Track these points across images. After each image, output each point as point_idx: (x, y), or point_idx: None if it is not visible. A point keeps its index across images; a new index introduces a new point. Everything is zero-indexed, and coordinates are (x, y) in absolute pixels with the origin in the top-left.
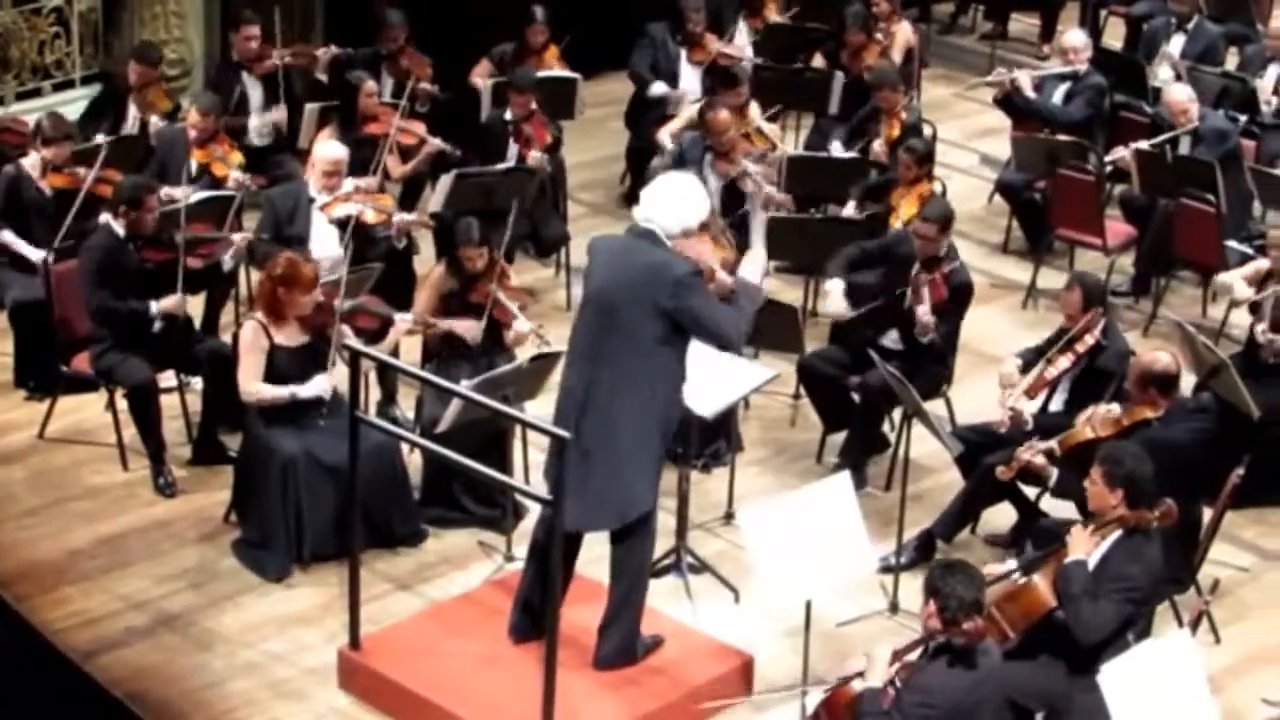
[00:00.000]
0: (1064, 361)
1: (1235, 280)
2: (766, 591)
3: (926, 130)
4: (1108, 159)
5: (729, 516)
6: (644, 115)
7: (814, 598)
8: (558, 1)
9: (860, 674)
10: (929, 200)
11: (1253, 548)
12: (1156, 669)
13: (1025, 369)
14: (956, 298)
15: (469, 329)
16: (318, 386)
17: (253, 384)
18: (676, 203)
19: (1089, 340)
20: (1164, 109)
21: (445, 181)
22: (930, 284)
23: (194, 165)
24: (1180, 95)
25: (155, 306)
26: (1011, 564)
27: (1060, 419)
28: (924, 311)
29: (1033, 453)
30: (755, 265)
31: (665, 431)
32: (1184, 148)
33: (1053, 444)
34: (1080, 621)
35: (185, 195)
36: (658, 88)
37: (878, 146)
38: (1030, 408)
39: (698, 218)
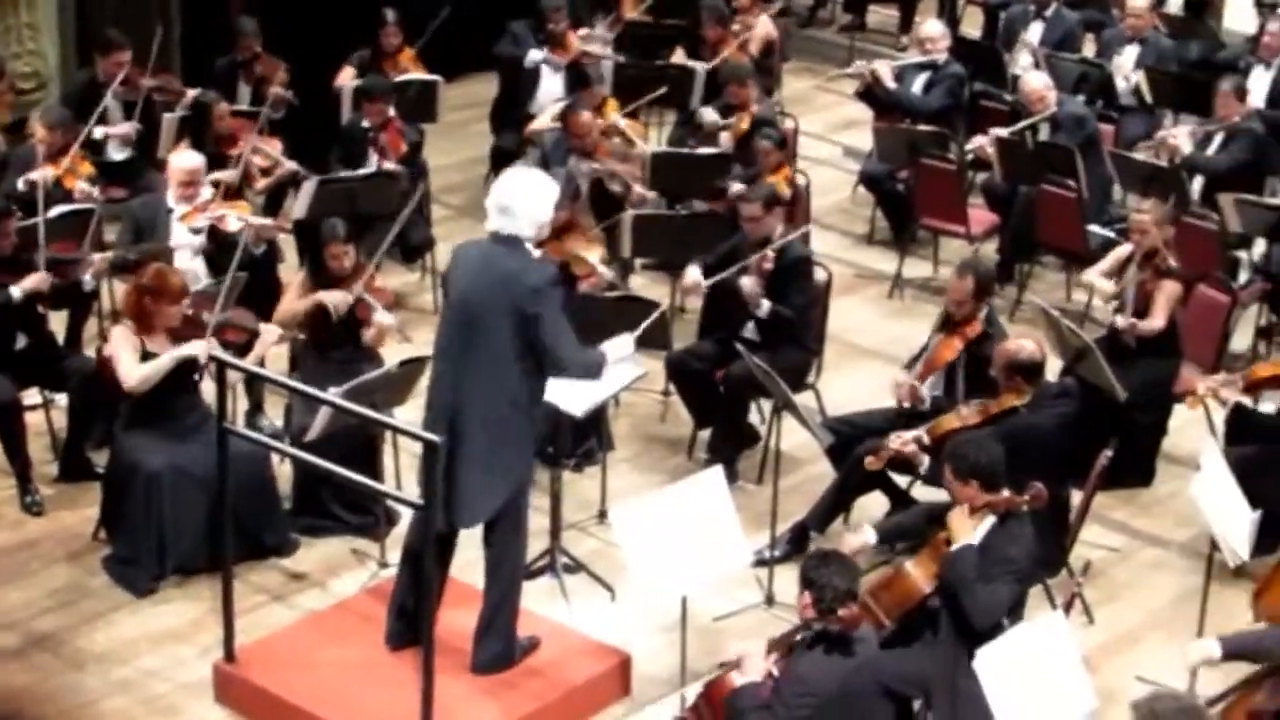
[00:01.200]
0: (955, 345)
1: (1096, 278)
2: (642, 589)
3: (788, 123)
4: (968, 147)
5: (602, 515)
6: (509, 116)
7: (689, 593)
8: (414, 3)
9: (730, 668)
10: (793, 183)
11: (1123, 528)
12: (1031, 651)
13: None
14: (790, 271)
15: (338, 299)
16: (194, 348)
17: (134, 371)
18: (526, 201)
19: (975, 328)
20: (1021, 96)
21: (307, 188)
22: (758, 260)
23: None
24: (1036, 83)
25: (17, 290)
26: (870, 533)
27: (940, 404)
28: (749, 282)
29: (902, 442)
30: (619, 348)
31: (532, 433)
32: (1043, 134)
33: (921, 433)
34: (977, 605)
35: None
36: (534, 54)
37: (726, 140)
38: (923, 388)
39: (550, 210)
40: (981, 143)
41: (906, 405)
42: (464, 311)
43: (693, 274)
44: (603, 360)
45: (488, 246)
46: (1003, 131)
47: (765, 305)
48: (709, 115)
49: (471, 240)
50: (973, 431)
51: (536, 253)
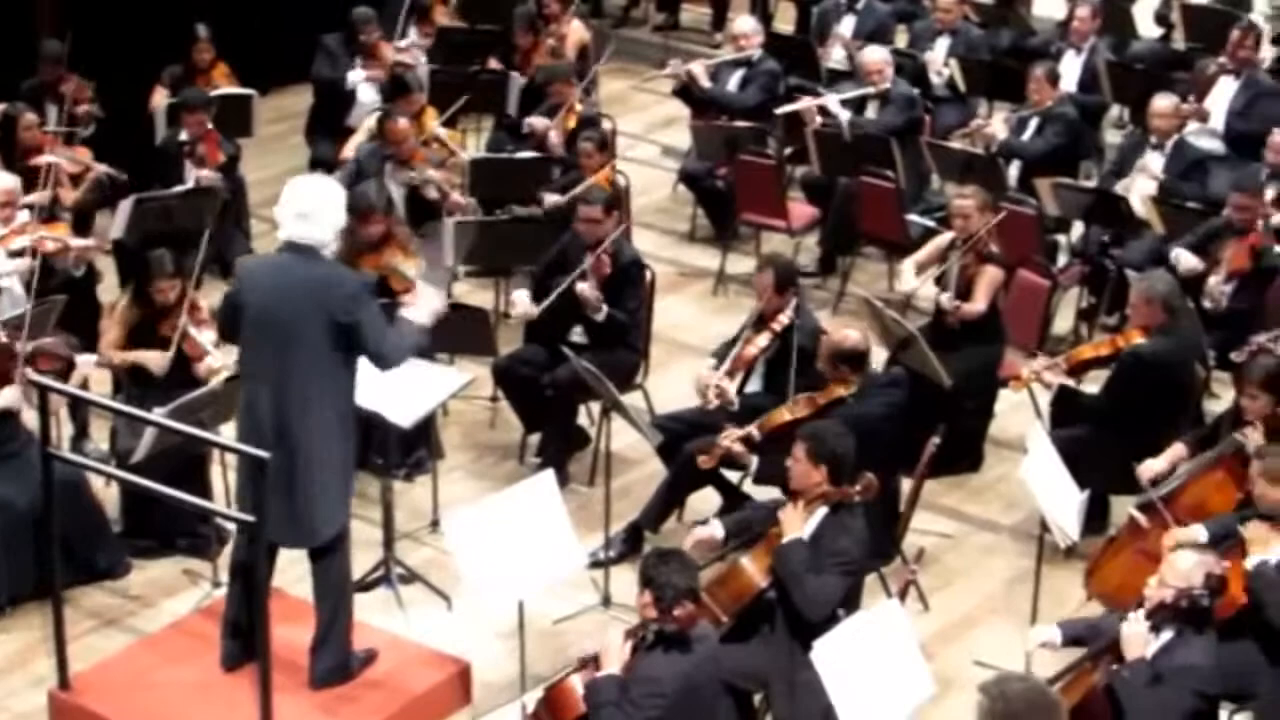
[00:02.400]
0: (761, 340)
1: (908, 268)
2: (478, 596)
3: (606, 124)
4: (796, 107)
5: (435, 524)
6: (324, 128)
7: (526, 598)
8: (224, 18)
9: (579, 667)
10: (613, 184)
11: (954, 514)
12: (868, 641)
13: (719, 367)
14: (626, 275)
15: (156, 360)
16: (6, 398)
17: None
18: (324, 207)
19: (782, 320)
20: (859, 68)
21: (124, 207)
22: (595, 263)
23: None
24: (876, 55)
25: None
26: (717, 526)
27: (759, 399)
28: (587, 287)
29: (732, 440)
30: (424, 308)
31: (352, 444)
32: (871, 111)
33: (752, 429)
34: (807, 597)
35: None
36: (353, 76)
37: (554, 138)
38: (732, 387)
39: (343, 216)
40: (809, 104)
41: (714, 406)
42: (272, 327)
43: (521, 302)
44: (413, 331)
45: (284, 258)
46: (833, 97)
47: (604, 310)
48: (538, 121)
49: (256, 256)
50: (819, 421)
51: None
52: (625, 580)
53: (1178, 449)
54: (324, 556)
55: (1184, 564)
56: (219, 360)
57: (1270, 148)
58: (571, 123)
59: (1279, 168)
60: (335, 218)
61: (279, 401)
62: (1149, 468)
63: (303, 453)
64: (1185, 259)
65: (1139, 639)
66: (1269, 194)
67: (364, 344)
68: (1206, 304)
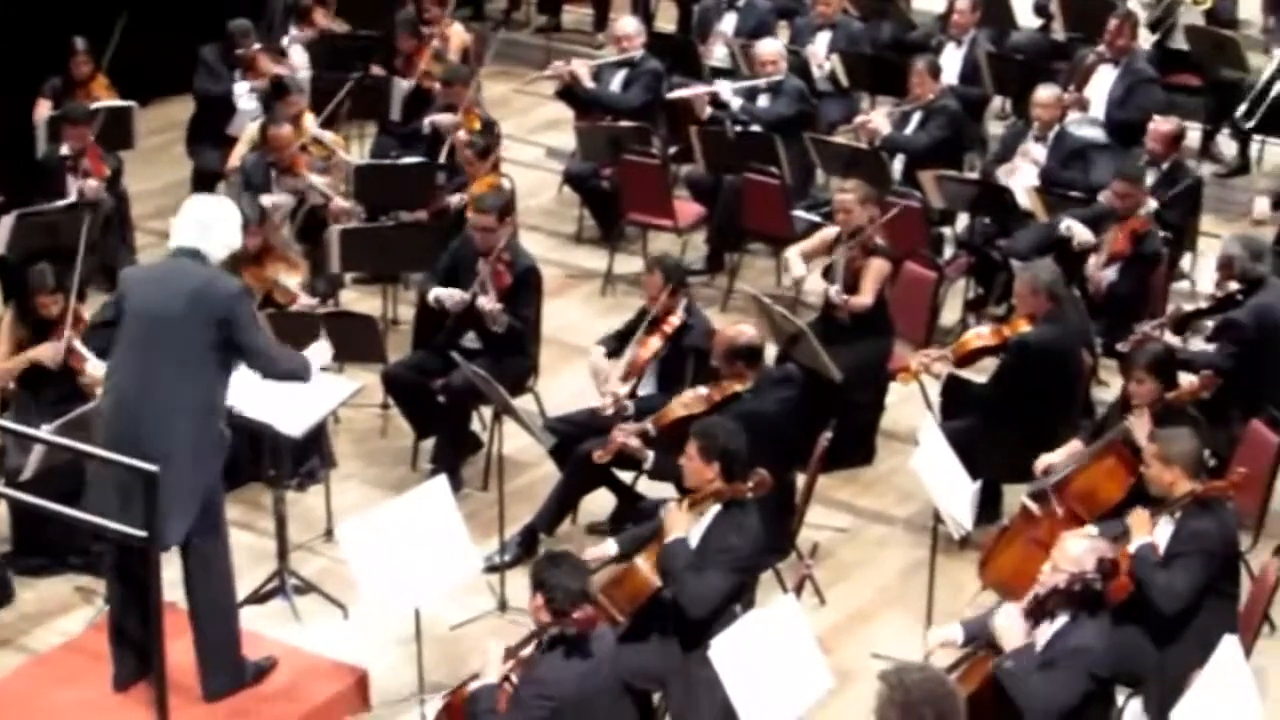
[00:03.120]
0: (654, 343)
1: (794, 257)
2: (374, 604)
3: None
4: (686, 93)
5: (329, 533)
6: (206, 138)
7: (422, 605)
8: (102, 30)
9: (477, 675)
10: (499, 188)
11: (848, 508)
12: (765, 637)
13: (611, 355)
14: (523, 283)
15: (48, 352)
16: None
17: None
18: (224, 223)
19: (674, 321)
20: (754, 58)
21: (6, 223)
22: (493, 273)
23: None
24: (772, 47)
25: None
26: (611, 545)
27: (654, 401)
28: (487, 300)
29: (627, 435)
30: (318, 354)
31: (224, 446)
32: (763, 100)
33: (647, 425)
34: (688, 595)
35: None
36: (236, 89)
37: (463, 135)
38: (626, 391)
39: (238, 239)
40: (701, 91)
41: (609, 414)
42: (150, 329)
43: (451, 294)
44: (305, 363)
45: (170, 263)
46: (725, 85)
47: (504, 321)
48: (445, 119)
49: (139, 265)
50: (711, 418)
51: None
52: (521, 584)
53: (1075, 445)
54: (202, 565)
55: (1075, 549)
56: (101, 369)
57: (1150, 136)
58: (475, 123)
59: (1157, 155)
60: (230, 236)
61: (146, 402)
62: (1045, 462)
63: (174, 454)
64: (1079, 230)
65: (1014, 630)
66: (1149, 180)
67: (244, 342)
68: (1089, 287)
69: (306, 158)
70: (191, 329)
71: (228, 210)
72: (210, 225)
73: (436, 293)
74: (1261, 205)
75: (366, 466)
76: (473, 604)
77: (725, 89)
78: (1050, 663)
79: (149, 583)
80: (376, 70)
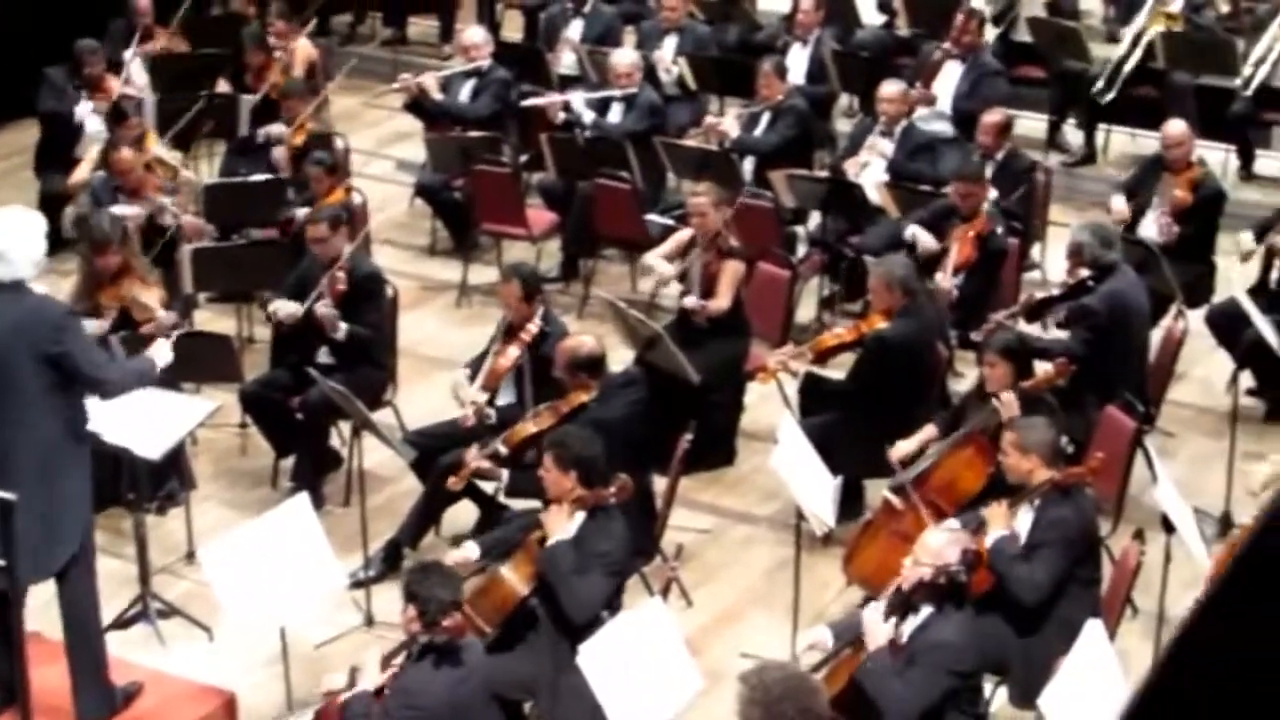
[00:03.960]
0: (513, 351)
1: (656, 260)
2: (239, 625)
3: (339, 143)
4: (535, 102)
5: (191, 556)
6: (53, 161)
7: (288, 623)
8: None
9: (347, 687)
10: (349, 203)
11: (711, 509)
12: (633, 641)
13: (474, 377)
14: (362, 290)
15: None
16: None
17: None
18: (20, 242)
19: (531, 329)
20: (610, 70)
21: None
22: (331, 281)
23: None
24: (628, 59)
25: None
26: (473, 548)
27: (514, 410)
28: (322, 306)
29: (479, 457)
30: (160, 353)
31: (88, 469)
32: (615, 113)
33: (498, 445)
34: (575, 600)
35: None
36: (80, 109)
37: (278, 154)
38: (484, 399)
39: (41, 246)
40: (553, 100)
41: (471, 424)
42: None
43: (283, 304)
44: (149, 366)
45: None
46: (578, 95)
47: (343, 328)
48: (275, 129)
49: None
50: (564, 427)
51: (40, 289)
52: (387, 599)
53: (928, 430)
54: (72, 589)
55: (936, 542)
56: None
57: (980, 129)
58: (300, 140)
59: (988, 147)
60: (31, 251)
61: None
62: (900, 449)
63: (28, 488)
64: (922, 238)
65: (878, 628)
66: (988, 172)
67: (77, 372)
68: (946, 282)
69: (154, 179)
70: (26, 364)
71: (16, 226)
72: (4, 253)
73: (273, 305)
74: (1119, 203)
75: (227, 487)
76: (339, 621)
77: (578, 100)
78: (911, 660)
79: (11, 614)
80: (223, 87)
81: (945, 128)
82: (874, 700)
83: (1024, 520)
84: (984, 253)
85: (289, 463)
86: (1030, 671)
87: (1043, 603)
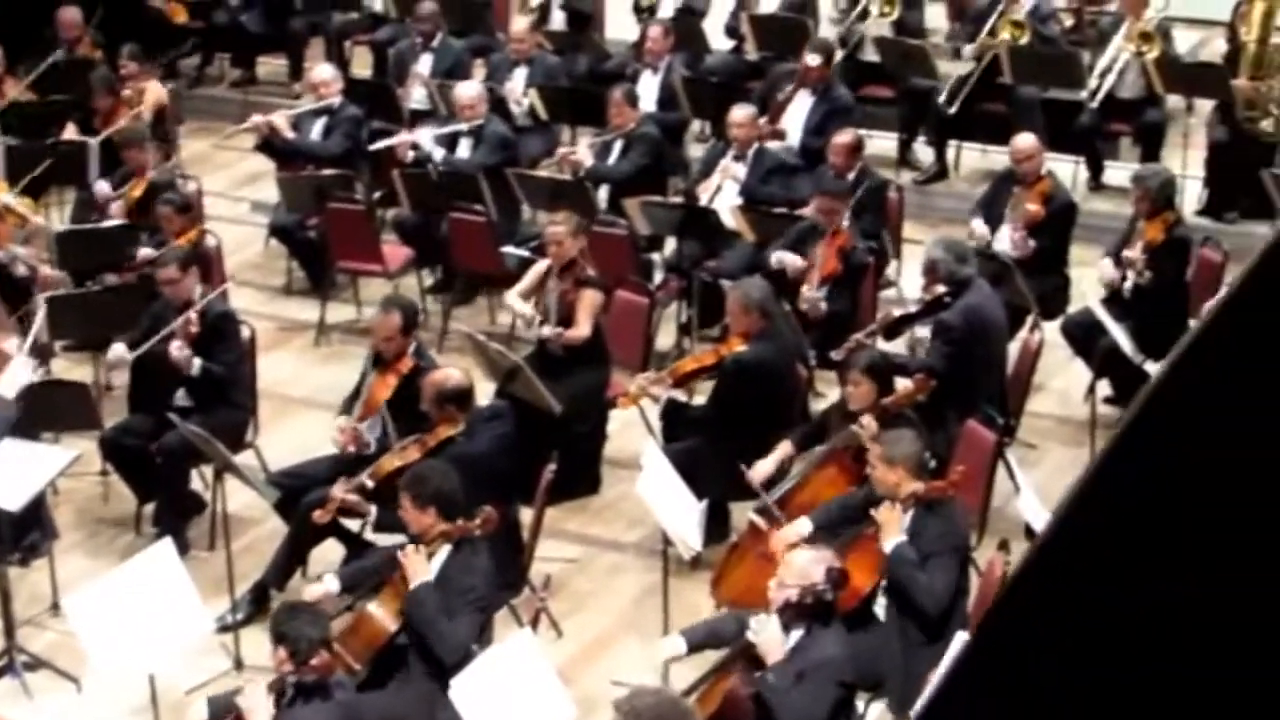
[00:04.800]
0: (391, 381)
1: (515, 300)
2: (107, 674)
3: (190, 185)
4: (391, 141)
5: (56, 606)
6: None
7: (156, 671)
8: None
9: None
10: (202, 245)
11: (578, 537)
12: (505, 673)
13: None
14: (215, 330)
15: None
16: None
17: None
18: None
19: (408, 362)
20: (454, 103)
21: None
22: (184, 323)
23: None
24: (470, 91)
25: None
26: (332, 581)
27: (384, 443)
28: (176, 347)
29: (346, 490)
30: (18, 373)
31: None
32: (464, 147)
33: (364, 478)
34: (444, 643)
35: None
36: None
37: (118, 209)
38: (364, 430)
39: None
40: (402, 140)
41: (352, 450)
42: None
43: (117, 350)
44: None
45: None
46: (426, 133)
47: (197, 363)
48: (102, 188)
49: None
50: (420, 464)
51: None
52: (256, 641)
53: (785, 446)
54: None
55: (801, 561)
56: None
57: (830, 151)
58: (139, 191)
59: (839, 168)
60: None
61: None
62: (758, 470)
63: None
64: (788, 259)
65: (775, 642)
66: None
67: None
68: (804, 307)
69: (5, 229)
70: None
71: None
72: None
73: (113, 350)
74: (979, 227)
75: (90, 535)
76: (208, 665)
77: (426, 137)
78: (800, 676)
79: None
80: (71, 133)
81: (794, 160)
82: (774, 712)
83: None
84: (847, 266)
85: (152, 509)
86: (909, 684)
87: (944, 612)
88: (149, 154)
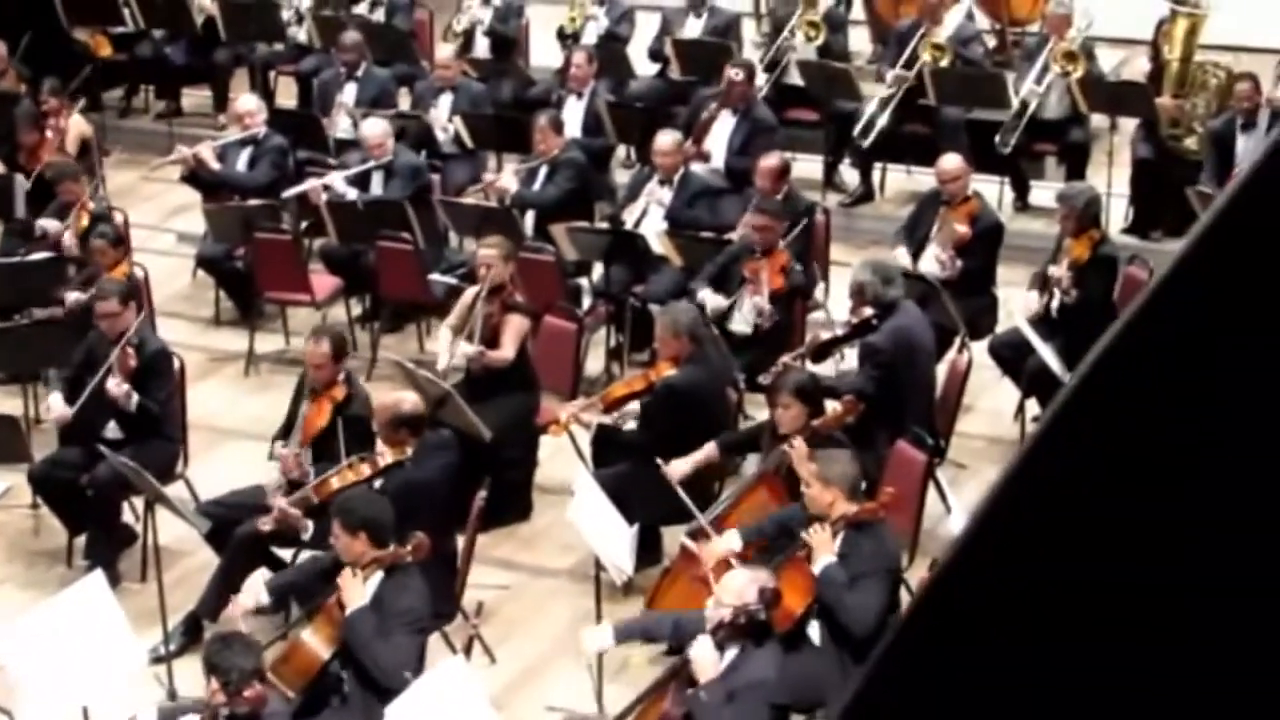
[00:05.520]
0: (326, 408)
1: (445, 332)
2: (40, 707)
3: (118, 217)
4: (290, 193)
5: None
6: None
7: (90, 703)
8: None
9: None
10: (131, 277)
11: (508, 564)
12: (437, 701)
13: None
14: (151, 366)
15: None
16: None
17: None
18: None
19: (339, 392)
20: (362, 143)
21: None
22: (120, 357)
23: None
24: (375, 129)
25: None
26: (262, 594)
27: (318, 470)
28: (114, 383)
29: (289, 505)
30: None
31: None
32: (377, 184)
33: (309, 493)
34: (380, 666)
35: None
36: None
37: (68, 240)
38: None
39: None
40: (315, 185)
41: (294, 476)
42: None
43: (55, 407)
44: None
45: None
46: (336, 175)
47: (135, 399)
48: (50, 224)
49: None
50: (349, 491)
51: None
52: (189, 672)
53: (709, 448)
54: None
55: (736, 583)
56: None
57: (758, 174)
58: (85, 221)
59: (766, 191)
60: None
61: None
62: (675, 467)
63: None
64: (711, 299)
65: (709, 660)
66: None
67: None
68: (735, 325)
69: None
70: None
71: None
72: None
73: (53, 407)
74: (901, 256)
75: (21, 569)
76: (141, 697)
77: (338, 180)
78: (731, 695)
79: None
80: None
81: (720, 182)
82: None
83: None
84: (788, 285)
85: (83, 541)
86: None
87: (874, 633)
88: (85, 185)
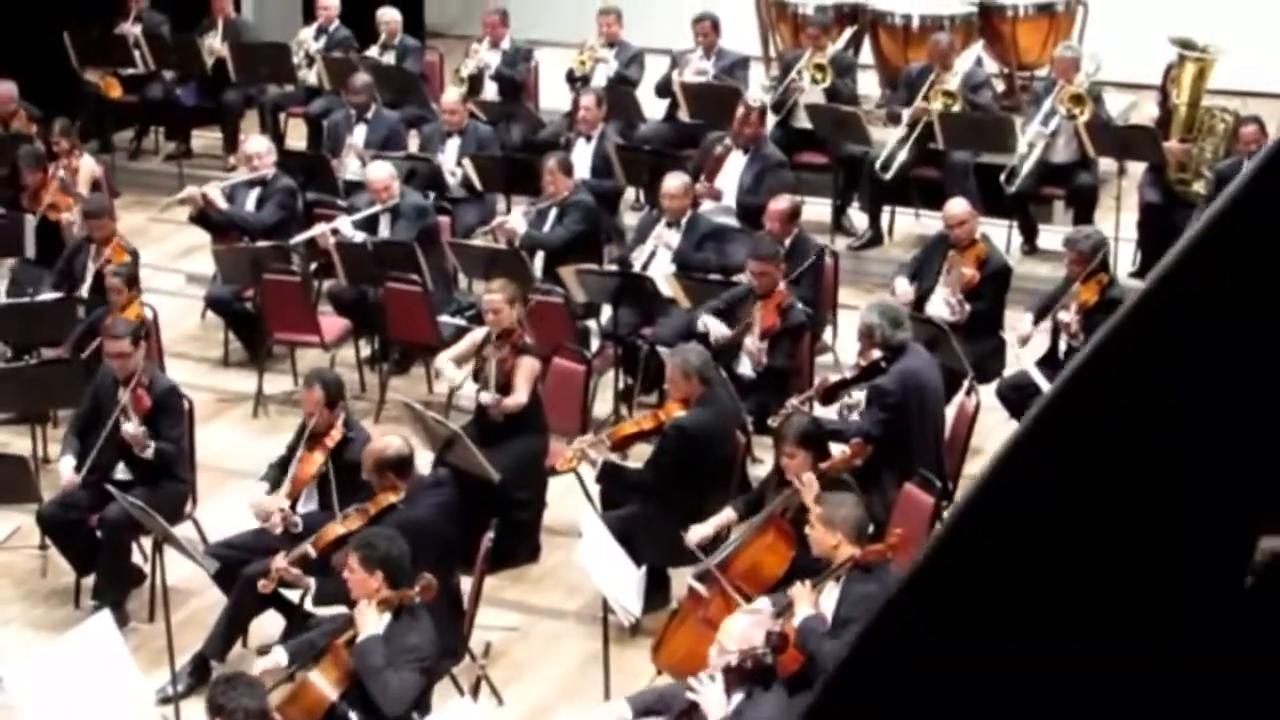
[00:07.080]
0: (317, 458)
1: (446, 364)
2: None
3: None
4: (299, 239)
5: None
6: None
7: None
8: None
9: None
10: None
11: (517, 605)
12: None
13: (274, 487)
14: (164, 405)
15: None
16: None
17: None
18: None
19: (335, 436)
20: (368, 187)
21: None
22: (134, 398)
23: None
24: (381, 173)
25: None
26: (281, 655)
27: (317, 517)
28: (130, 426)
29: (288, 561)
30: None
31: None
32: (384, 227)
33: (307, 547)
34: (388, 694)
35: None
36: None
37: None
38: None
39: None
40: (323, 230)
41: (279, 532)
42: None
43: (67, 475)
44: None
45: None
46: (344, 220)
47: (151, 446)
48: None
49: None
50: (369, 529)
51: None
52: (196, 713)
53: (727, 513)
54: None
55: (739, 626)
56: None
57: (768, 216)
58: (125, 257)
59: (776, 233)
60: None
61: None
62: (696, 533)
63: None
64: (714, 326)
65: (718, 701)
66: None
67: None
68: (742, 368)
69: None
70: None
71: None
72: None
73: (64, 475)
74: (902, 286)
75: (29, 608)
76: None
77: (345, 224)
78: None
79: None
80: None
81: (731, 220)
82: None
83: (830, 597)
84: (785, 324)
85: (91, 581)
86: None
87: None
88: (112, 223)
